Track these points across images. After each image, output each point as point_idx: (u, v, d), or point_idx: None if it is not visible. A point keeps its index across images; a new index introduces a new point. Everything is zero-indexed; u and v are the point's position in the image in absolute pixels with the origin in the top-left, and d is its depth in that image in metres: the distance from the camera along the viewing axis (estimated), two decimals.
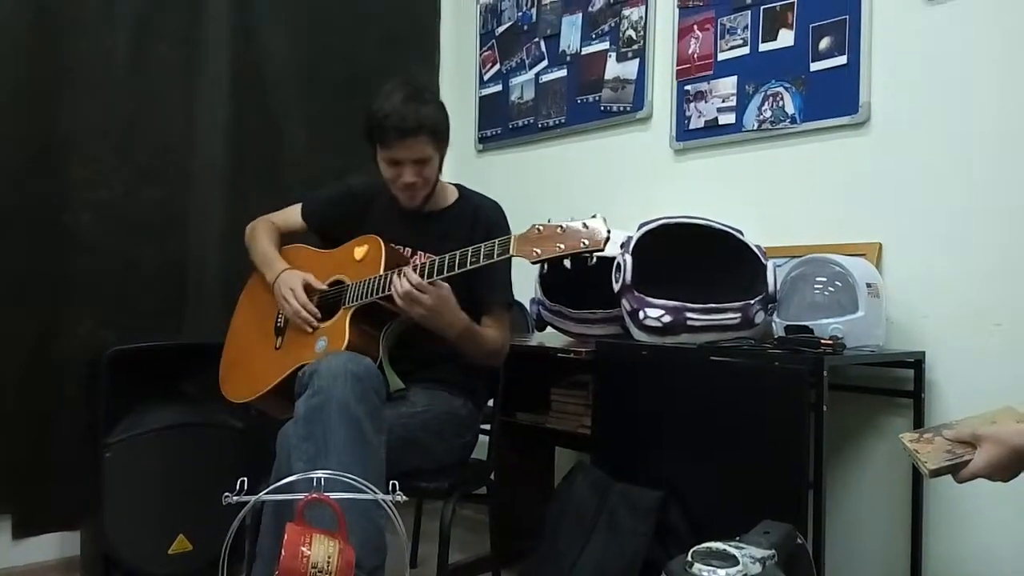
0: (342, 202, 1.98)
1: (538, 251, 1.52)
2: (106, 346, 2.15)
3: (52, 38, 2.31)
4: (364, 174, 2.01)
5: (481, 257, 1.59)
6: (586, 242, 1.48)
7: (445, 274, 1.64)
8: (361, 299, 1.72)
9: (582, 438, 2.11)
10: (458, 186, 1.99)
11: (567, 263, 1.55)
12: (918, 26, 1.95)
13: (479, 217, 1.91)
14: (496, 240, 1.59)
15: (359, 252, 1.82)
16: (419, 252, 1.87)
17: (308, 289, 1.83)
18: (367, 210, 1.93)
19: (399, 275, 1.64)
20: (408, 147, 1.76)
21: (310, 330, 1.78)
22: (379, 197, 1.93)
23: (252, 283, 2.06)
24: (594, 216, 1.50)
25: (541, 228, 1.54)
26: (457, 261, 1.62)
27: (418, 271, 1.66)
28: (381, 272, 1.71)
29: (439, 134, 1.80)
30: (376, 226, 1.86)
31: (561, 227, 1.52)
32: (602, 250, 1.48)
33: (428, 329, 1.71)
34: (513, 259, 1.85)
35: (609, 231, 1.48)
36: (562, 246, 1.50)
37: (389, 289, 1.66)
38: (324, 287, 1.83)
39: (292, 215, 2.04)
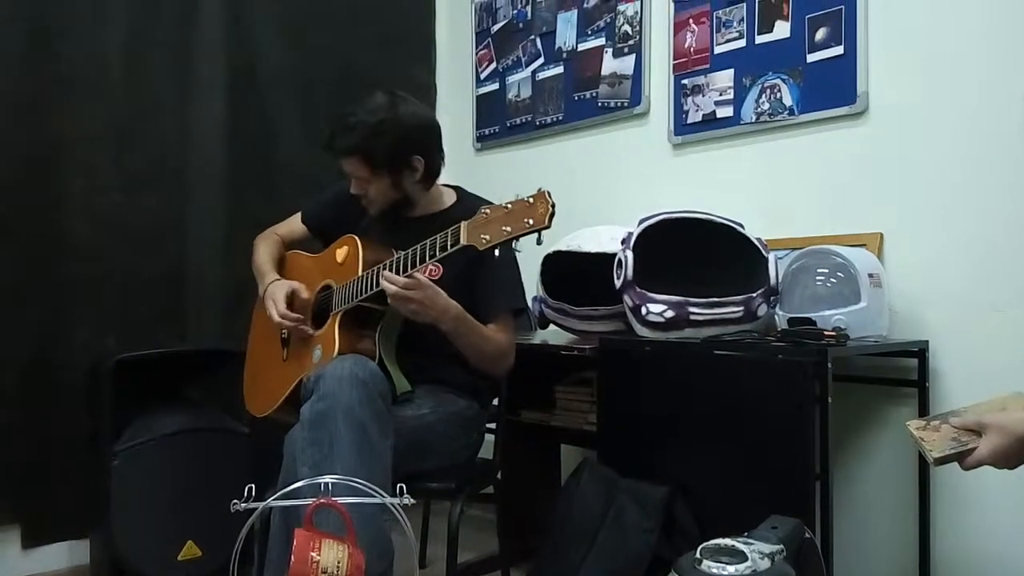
0: (338, 205, 1.96)
1: (487, 237, 1.46)
2: (108, 354, 2.16)
3: (46, 47, 2.31)
4: None
5: (437, 250, 1.54)
6: (530, 221, 1.42)
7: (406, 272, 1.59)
8: (346, 303, 1.71)
9: (587, 435, 2.11)
10: (457, 189, 1.96)
11: (516, 246, 1.49)
12: (914, 13, 1.95)
13: None
14: (448, 230, 1.53)
15: (340, 255, 1.81)
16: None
17: (296, 297, 1.82)
18: (363, 213, 1.91)
19: (384, 278, 1.60)
20: (343, 163, 1.77)
21: (308, 337, 1.78)
22: None
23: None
24: (539, 190, 1.44)
25: (488, 211, 1.48)
26: (417, 257, 1.58)
27: (376, 273, 1.63)
28: (360, 273, 1.70)
29: (373, 159, 1.73)
30: (367, 229, 1.85)
31: (507, 207, 1.46)
32: (547, 227, 1.42)
33: (424, 323, 1.65)
34: (519, 262, 1.83)
35: (554, 205, 1.41)
36: (508, 229, 1.44)
37: (370, 289, 1.64)
38: (307, 295, 1.83)
39: (295, 222, 2.05)
